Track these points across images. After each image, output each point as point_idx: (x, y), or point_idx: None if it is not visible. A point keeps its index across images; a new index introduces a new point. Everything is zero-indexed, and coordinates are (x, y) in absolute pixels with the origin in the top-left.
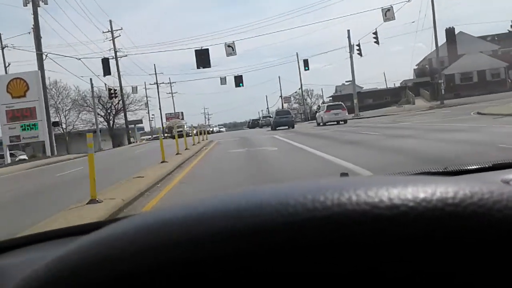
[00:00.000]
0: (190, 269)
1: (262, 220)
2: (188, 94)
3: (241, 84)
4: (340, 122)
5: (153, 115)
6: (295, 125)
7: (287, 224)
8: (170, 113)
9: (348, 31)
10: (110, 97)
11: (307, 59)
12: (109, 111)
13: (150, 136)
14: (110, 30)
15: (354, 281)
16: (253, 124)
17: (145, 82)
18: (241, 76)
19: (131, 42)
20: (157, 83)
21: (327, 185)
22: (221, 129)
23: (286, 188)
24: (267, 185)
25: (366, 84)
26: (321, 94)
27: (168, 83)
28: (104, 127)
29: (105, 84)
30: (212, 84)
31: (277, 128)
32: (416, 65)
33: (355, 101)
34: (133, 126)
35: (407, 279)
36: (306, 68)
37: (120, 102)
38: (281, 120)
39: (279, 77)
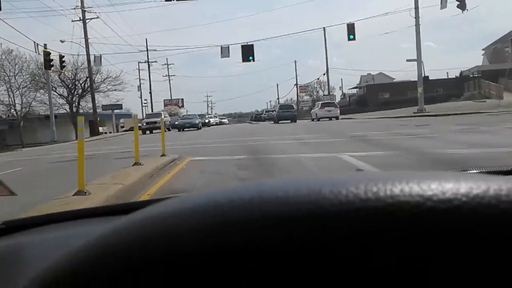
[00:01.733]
0: (245, 253)
1: (314, 207)
2: (190, 78)
3: (250, 58)
4: (332, 118)
5: (145, 100)
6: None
7: (340, 212)
8: (169, 100)
9: None
10: (49, 67)
11: (353, 24)
12: (73, 90)
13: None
14: None
15: (404, 273)
16: (256, 118)
17: (138, 63)
18: (252, 46)
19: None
20: (148, 61)
21: (376, 177)
22: (222, 120)
23: (330, 178)
24: (307, 176)
25: (396, 75)
26: (341, 86)
27: (164, 64)
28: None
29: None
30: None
31: (279, 122)
32: (483, 49)
33: (420, 90)
34: (109, 111)
35: (455, 274)
36: (351, 36)
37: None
38: (284, 114)
39: (295, 62)
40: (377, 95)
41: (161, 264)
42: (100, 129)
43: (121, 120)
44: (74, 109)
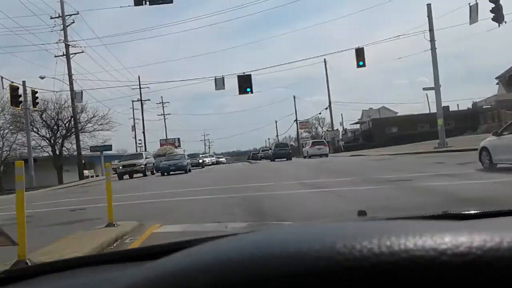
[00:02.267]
0: None
1: (328, 264)
2: (187, 117)
3: (248, 90)
4: (322, 156)
5: (140, 140)
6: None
7: (355, 269)
8: (165, 139)
9: (429, 5)
10: (16, 103)
11: (362, 48)
12: (55, 131)
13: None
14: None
15: None
16: (253, 156)
17: (132, 102)
18: (249, 76)
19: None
20: (141, 100)
21: (388, 228)
22: (220, 160)
23: (340, 229)
24: (317, 225)
25: (398, 108)
26: (341, 121)
27: (159, 103)
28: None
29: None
30: (216, 107)
31: (275, 160)
32: (497, 78)
33: (440, 122)
34: (98, 152)
35: None
36: (361, 63)
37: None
38: (280, 152)
39: (294, 97)
40: (384, 130)
41: None
42: (86, 172)
43: (114, 162)
44: (58, 151)
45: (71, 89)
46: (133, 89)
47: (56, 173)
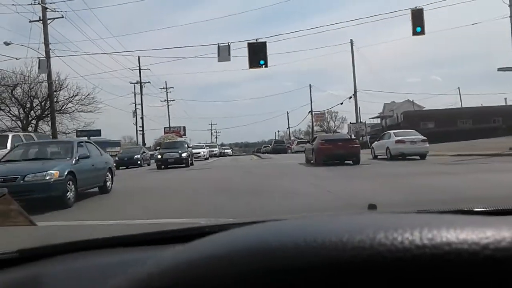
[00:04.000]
0: None
1: (370, 254)
2: (194, 104)
3: (261, 62)
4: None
5: (140, 127)
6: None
7: (397, 260)
8: (169, 127)
9: None
10: None
11: (421, 10)
12: (27, 111)
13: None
14: None
15: None
16: (258, 151)
17: (134, 86)
18: (263, 44)
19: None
20: (140, 82)
21: (427, 221)
22: (225, 151)
23: (376, 220)
24: (350, 216)
25: (424, 103)
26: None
27: (163, 88)
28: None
29: None
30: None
31: (274, 153)
32: None
33: None
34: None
35: None
36: (418, 29)
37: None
38: (277, 148)
39: (310, 86)
40: (418, 125)
41: None
42: None
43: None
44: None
45: (48, 62)
46: (132, 70)
47: None
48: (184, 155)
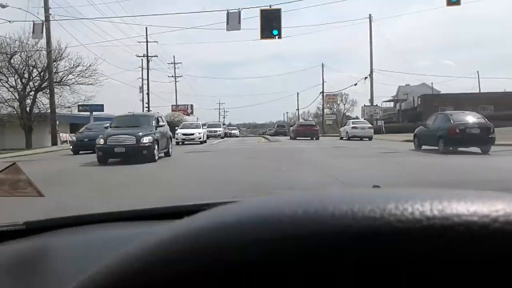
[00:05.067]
0: (301, 266)
1: (380, 224)
2: (202, 82)
3: (275, 32)
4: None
5: (147, 104)
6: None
7: (407, 231)
8: (176, 105)
9: None
10: None
11: None
12: (25, 82)
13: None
14: None
15: None
16: (263, 133)
17: (142, 60)
18: (278, 12)
19: None
20: (147, 55)
21: (437, 194)
22: (232, 132)
23: (388, 192)
24: (361, 189)
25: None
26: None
27: (171, 63)
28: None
29: None
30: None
31: (275, 136)
32: None
33: None
34: (87, 114)
35: None
36: None
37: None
38: (279, 131)
39: (322, 65)
40: (436, 109)
41: (220, 275)
42: (64, 136)
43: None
44: (29, 108)
45: (47, 28)
46: (139, 42)
47: (25, 136)
48: (146, 140)
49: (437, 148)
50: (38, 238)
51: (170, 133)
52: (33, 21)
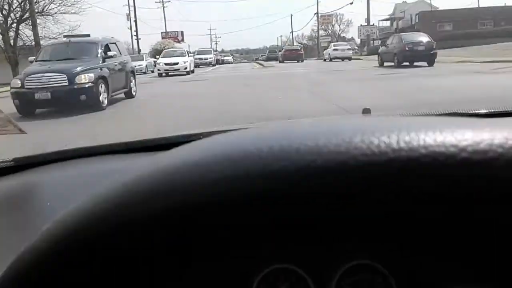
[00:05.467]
0: (270, 204)
1: (345, 158)
2: (189, 3)
3: None
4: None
5: (135, 32)
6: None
7: (372, 164)
8: (166, 32)
9: None
10: None
11: None
12: (6, 13)
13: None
14: None
15: (438, 227)
16: (256, 59)
17: None
18: None
19: None
20: None
21: (407, 123)
22: (225, 58)
23: (356, 124)
24: (329, 119)
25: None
26: (367, 18)
27: None
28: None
29: None
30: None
31: (268, 61)
32: None
33: None
34: None
35: (493, 227)
36: None
37: None
38: (270, 56)
39: None
40: (435, 28)
41: (183, 214)
42: None
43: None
44: (12, 41)
45: None
46: None
47: (11, 71)
48: (84, 78)
49: (393, 64)
50: (27, 173)
51: (133, 66)
52: None
